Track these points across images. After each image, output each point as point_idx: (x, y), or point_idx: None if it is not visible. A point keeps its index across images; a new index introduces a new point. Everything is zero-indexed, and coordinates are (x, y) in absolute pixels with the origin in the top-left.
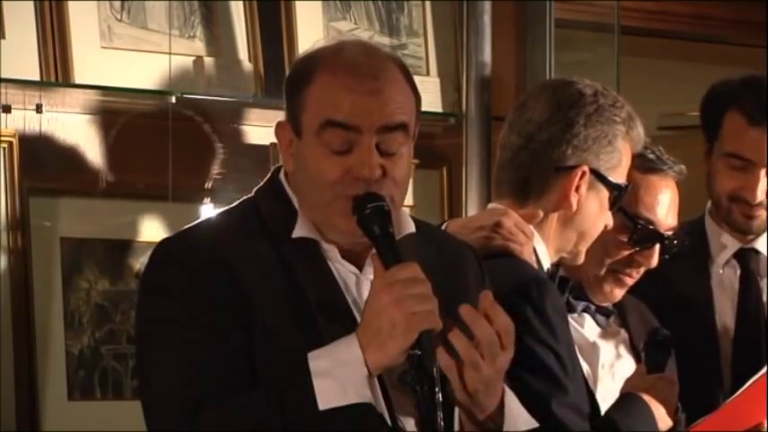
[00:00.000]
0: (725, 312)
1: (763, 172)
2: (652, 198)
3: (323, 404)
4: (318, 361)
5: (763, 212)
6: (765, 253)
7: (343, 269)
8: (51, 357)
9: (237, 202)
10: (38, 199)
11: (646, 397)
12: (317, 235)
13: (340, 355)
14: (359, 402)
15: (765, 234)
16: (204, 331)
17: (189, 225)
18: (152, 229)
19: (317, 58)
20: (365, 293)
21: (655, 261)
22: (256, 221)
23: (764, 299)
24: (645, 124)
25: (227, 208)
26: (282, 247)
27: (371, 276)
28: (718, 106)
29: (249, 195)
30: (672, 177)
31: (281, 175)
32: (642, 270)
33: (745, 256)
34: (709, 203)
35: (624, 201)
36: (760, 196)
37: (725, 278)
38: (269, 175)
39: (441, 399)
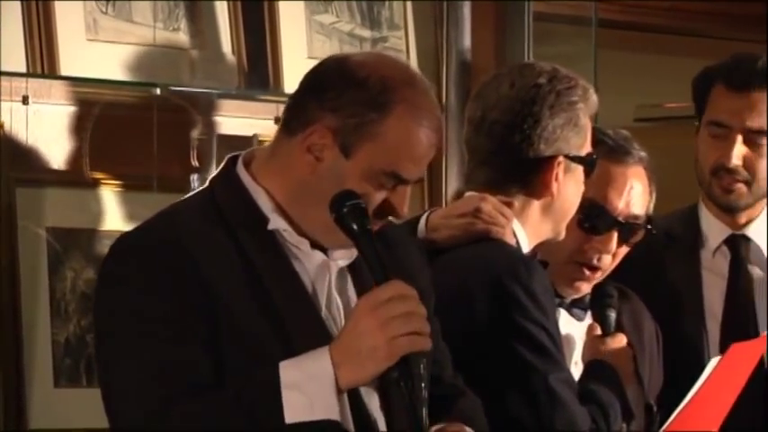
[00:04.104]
0: (714, 298)
1: (739, 137)
2: (605, 185)
3: (290, 417)
4: (289, 372)
5: (740, 186)
6: (756, 240)
7: (308, 259)
8: (38, 345)
9: (192, 193)
10: (24, 189)
11: (610, 362)
12: (291, 228)
13: (310, 369)
14: (325, 419)
15: (756, 221)
16: (168, 325)
17: (147, 218)
18: (137, 219)
19: (391, 86)
20: (333, 278)
21: (612, 247)
22: (215, 213)
23: (754, 285)
24: (622, 116)
25: (182, 199)
26: (242, 239)
27: (340, 262)
28: (707, 81)
29: (204, 186)
30: (631, 165)
31: (239, 168)
32: (603, 259)
33: (736, 243)
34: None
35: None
36: (735, 161)
37: (715, 264)
38: (223, 165)
39: (426, 395)
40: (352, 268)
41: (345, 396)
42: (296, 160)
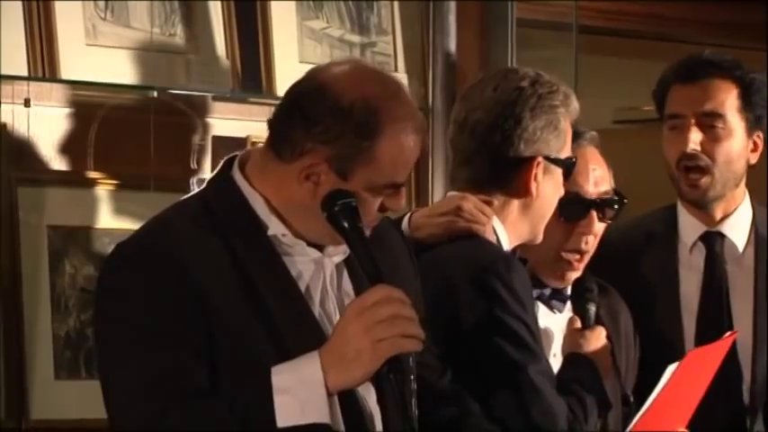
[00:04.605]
0: (690, 294)
1: (693, 122)
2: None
3: (281, 422)
4: (281, 377)
5: (704, 180)
6: (730, 236)
7: (303, 258)
8: (39, 339)
9: (188, 196)
10: (25, 189)
11: (589, 356)
12: (289, 232)
13: (302, 374)
14: (316, 422)
15: (732, 217)
16: (165, 333)
17: (143, 225)
18: (134, 217)
19: (375, 107)
20: (328, 274)
21: (595, 227)
22: (209, 218)
23: (728, 282)
24: (601, 118)
25: (177, 204)
26: (236, 243)
27: (335, 258)
28: (664, 84)
29: (200, 189)
30: (586, 147)
31: (234, 171)
32: (589, 242)
33: (711, 240)
34: None
35: None
36: (692, 145)
37: (692, 261)
38: (220, 168)
39: (415, 387)
40: (348, 263)
41: (336, 398)
42: (293, 186)
